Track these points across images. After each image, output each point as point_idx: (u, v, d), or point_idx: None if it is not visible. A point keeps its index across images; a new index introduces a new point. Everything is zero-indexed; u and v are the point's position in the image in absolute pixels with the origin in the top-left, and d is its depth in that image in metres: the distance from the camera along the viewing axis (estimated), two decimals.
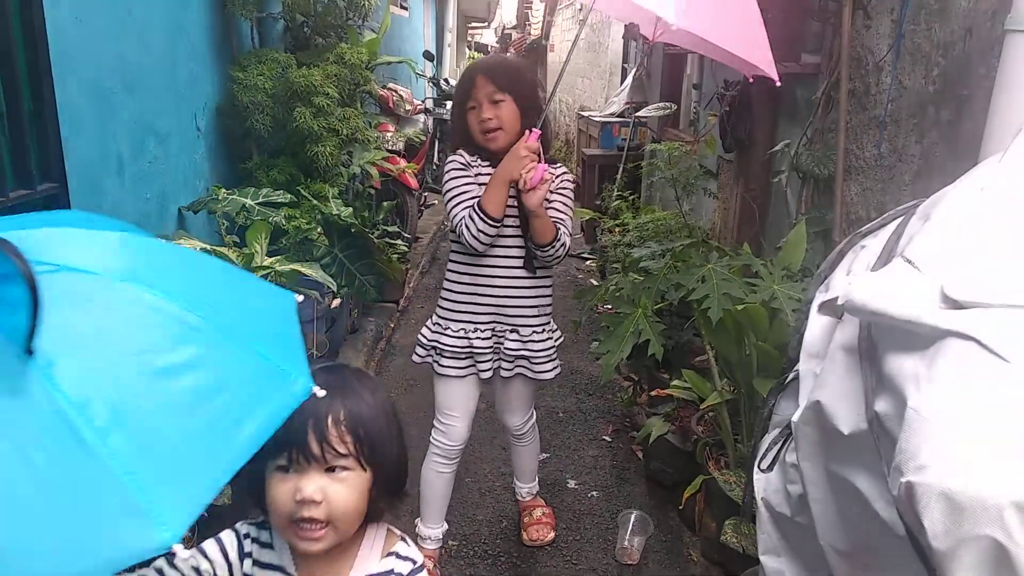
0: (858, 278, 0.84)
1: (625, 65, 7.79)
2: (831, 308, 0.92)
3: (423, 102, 6.92)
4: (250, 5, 3.49)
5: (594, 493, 2.90)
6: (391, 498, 1.13)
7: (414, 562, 1.16)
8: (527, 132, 1.97)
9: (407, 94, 5.99)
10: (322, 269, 3.09)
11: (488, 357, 2.16)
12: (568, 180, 2.15)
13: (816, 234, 2.52)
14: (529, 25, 18.15)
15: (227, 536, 1.14)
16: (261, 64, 3.47)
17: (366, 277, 3.47)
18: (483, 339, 2.14)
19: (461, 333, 2.14)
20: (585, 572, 2.46)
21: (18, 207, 2.04)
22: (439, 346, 2.16)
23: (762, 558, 1.26)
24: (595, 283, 5.34)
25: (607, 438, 3.33)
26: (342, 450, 1.03)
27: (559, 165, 2.13)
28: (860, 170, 2.45)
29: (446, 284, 2.19)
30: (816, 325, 1.03)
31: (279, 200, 3.16)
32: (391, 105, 5.61)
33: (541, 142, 1.98)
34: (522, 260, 2.11)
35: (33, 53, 2.09)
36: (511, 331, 2.15)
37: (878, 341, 0.81)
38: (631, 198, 5.33)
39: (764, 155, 3.26)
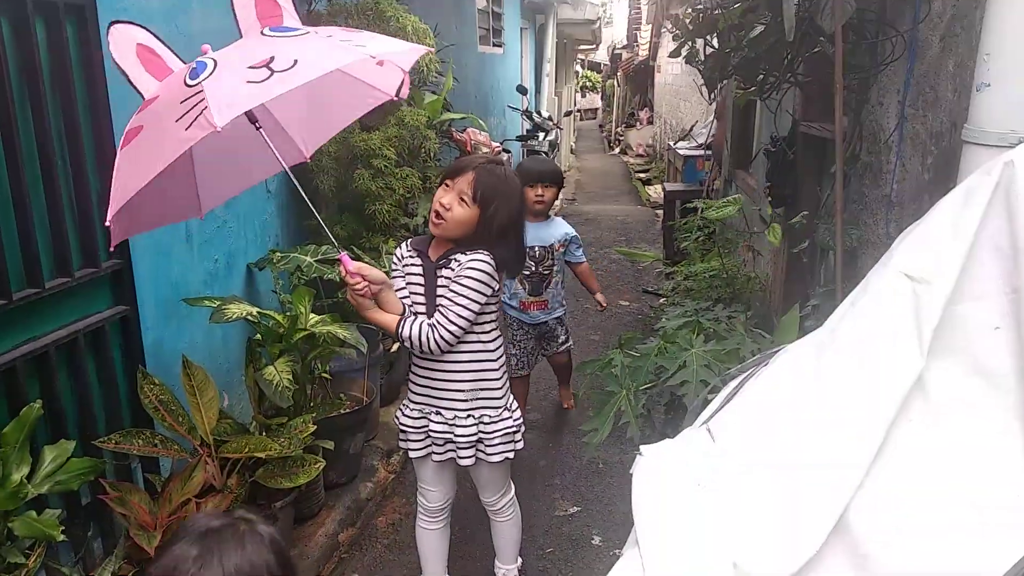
0: (647, 448, 0.92)
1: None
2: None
3: (500, 143, 7.14)
4: None
5: (617, 551, 2.94)
6: None
7: None
8: (340, 257, 2.15)
9: (485, 138, 6.20)
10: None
11: (420, 438, 2.34)
12: (471, 268, 2.15)
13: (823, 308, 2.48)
14: (637, 46, 18.15)
15: None
16: None
17: None
18: (413, 419, 2.33)
19: (416, 413, 2.33)
20: None
21: (84, 284, 2.36)
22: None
23: None
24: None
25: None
26: None
27: (478, 251, 2.17)
28: (875, 245, 2.40)
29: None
30: None
31: (335, 257, 3.41)
32: (469, 149, 5.83)
33: (486, 225, 2.17)
34: None
35: (99, 133, 2.39)
36: (435, 413, 2.29)
37: None
38: (702, 241, 5.30)
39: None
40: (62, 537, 1.71)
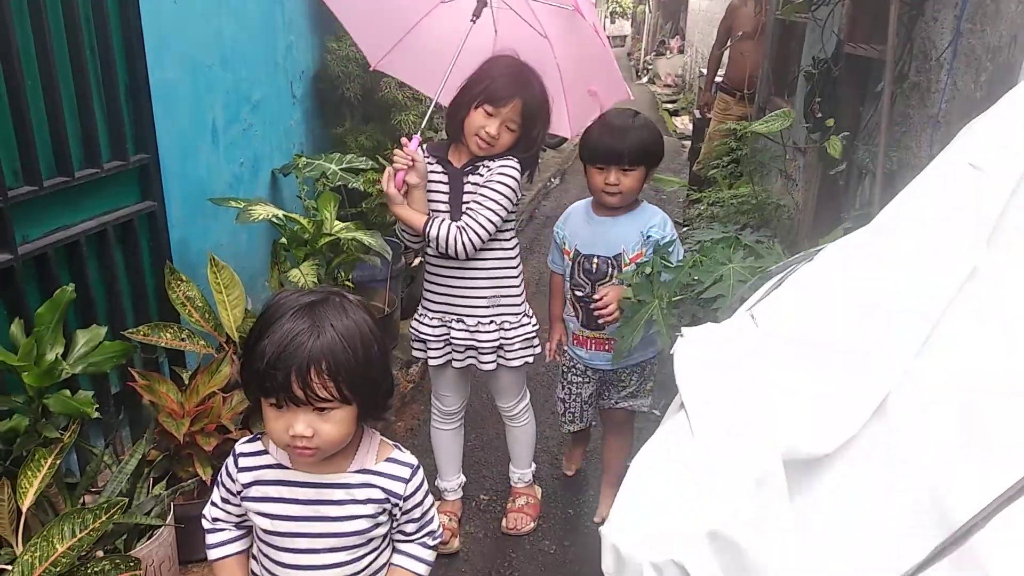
0: (688, 331, 0.91)
1: None
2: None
3: None
4: None
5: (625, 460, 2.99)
6: (379, 417, 1.32)
7: (411, 465, 1.36)
8: (405, 139, 2.17)
9: None
10: (396, 232, 3.32)
11: (440, 346, 2.33)
12: (502, 174, 2.16)
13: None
14: None
15: (229, 461, 1.38)
16: None
17: None
18: (432, 327, 2.33)
19: (436, 322, 2.33)
20: None
21: (113, 177, 2.36)
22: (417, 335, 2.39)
23: None
24: None
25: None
26: (324, 395, 1.20)
27: (508, 158, 2.17)
28: (916, 168, 2.32)
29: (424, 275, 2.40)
30: None
31: (361, 166, 3.38)
32: None
33: (526, 141, 2.18)
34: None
35: (128, 33, 2.35)
36: (457, 320, 2.30)
37: None
38: (729, 169, 5.20)
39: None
40: (96, 414, 1.75)
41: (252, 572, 1.44)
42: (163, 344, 2.37)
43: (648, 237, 2.27)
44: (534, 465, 2.69)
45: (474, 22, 2.27)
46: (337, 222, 2.94)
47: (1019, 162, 0.85)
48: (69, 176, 2.17)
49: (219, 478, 1.40)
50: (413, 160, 2.12)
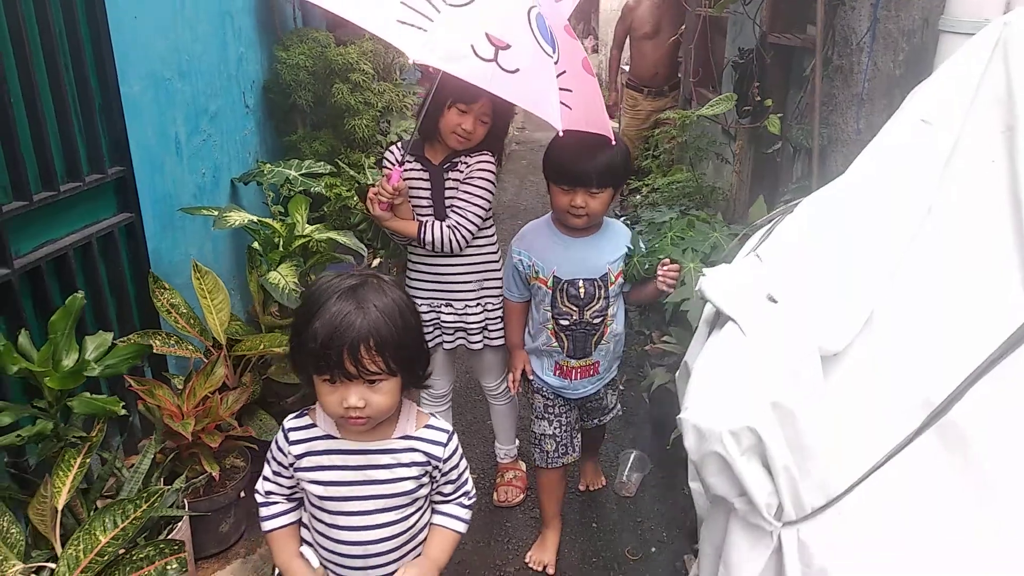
0: (709, 270, 1.10)
1: None
2: (700, 295, 1.18)
3: None
4: None
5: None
6: (419, 385, 1.49)
7: (447, 431, 1.51)
8: (387, 172, 2.30)
9: None
10: (358, 234, 3.43)
11: (430, 330, 2.46)
12: (481, 169, 2.32)
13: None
14: None
15: (279, 436, 1.50)
16: (303, 43, 3.76)
17: None
18: (422, 313, 2.41)
19: (425, 308, 2.46)
20: (587, 500, 2.78)
21: (93, 190, 2.40)
22: None
23: (690, 484, 1.54)
24: None
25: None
26: (373, 368, 1.34)
27: (483, 153, 2.34)
28: (844, 143, 2.61)
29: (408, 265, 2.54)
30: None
31: (320, 171, 3.47)
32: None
33: (495, 133, 2.32)
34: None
35: (98, 51, 2.40)
36: (446, 304, 2.46)
37: (718, 316, 1.07)
38: (661, 158, 5.48)
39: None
40: (123, 411, 1.82)
41: (303, 540, 1.56)
42: (155, 350, 2.43)
43: (626, 252, 2.23)
44: (517, 441, 2.86)
45: None
46: (308, 225, 3.04)
47: (961, 115, 1.07)
48: (55, 191, 2.21)
49: (269, 455, 1.52)
50: (393, 194, 2.25)
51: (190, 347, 2.56)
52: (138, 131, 2.68)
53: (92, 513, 1.80)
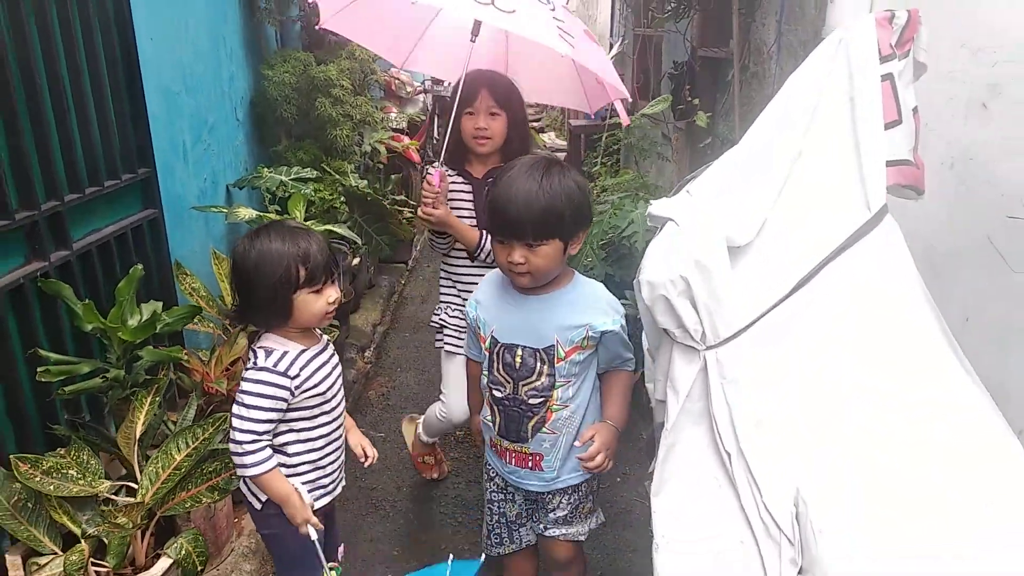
0: (656, 201, 1.56)
1: (611, 39, 8.40)
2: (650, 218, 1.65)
3: (422, 84, 7.55)
4: (273, 12, 4.18)
5: None
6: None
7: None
8: (430, 171, 2.36)
9: (407, 78, 6.65)
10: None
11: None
12: None
13: None
14: None
15: (270, 377, 1.73)
16: (286, 63, 4.17)
17: (381, 237, 4.21)
18: (460, 319, 2.55)
19: (458, 314, 2.59)
20: None
21: (124, 188, 2.77)
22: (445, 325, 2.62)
23: (646, 385, 1.99)
24: None
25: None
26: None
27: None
28: None
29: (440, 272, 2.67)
30: None
31: (307, 176, 3.88)
32: (393, 88, 6.29)
33: (517, 138, 2.45)
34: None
35: (129, 69, 2.79)
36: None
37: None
38: (609, 164, 6.01)
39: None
40: (186, 357, 2.19)
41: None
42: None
43: (589, 326, 1.77)
44: None
45: (473, 41, 2.36)
46: (305, 221, 3.44)
47: (819, 88, 1.57)
48: (99, 186, 2.58)
49: (260, 403, 1.68)
50: (439, 191, 2.35)
51: (211, 324, 2.93)
52: (155, 139, 3.05)
53: (154, 451, 2.17)
